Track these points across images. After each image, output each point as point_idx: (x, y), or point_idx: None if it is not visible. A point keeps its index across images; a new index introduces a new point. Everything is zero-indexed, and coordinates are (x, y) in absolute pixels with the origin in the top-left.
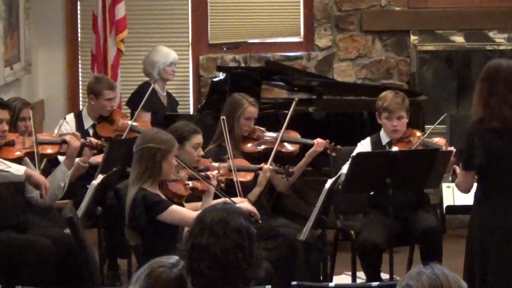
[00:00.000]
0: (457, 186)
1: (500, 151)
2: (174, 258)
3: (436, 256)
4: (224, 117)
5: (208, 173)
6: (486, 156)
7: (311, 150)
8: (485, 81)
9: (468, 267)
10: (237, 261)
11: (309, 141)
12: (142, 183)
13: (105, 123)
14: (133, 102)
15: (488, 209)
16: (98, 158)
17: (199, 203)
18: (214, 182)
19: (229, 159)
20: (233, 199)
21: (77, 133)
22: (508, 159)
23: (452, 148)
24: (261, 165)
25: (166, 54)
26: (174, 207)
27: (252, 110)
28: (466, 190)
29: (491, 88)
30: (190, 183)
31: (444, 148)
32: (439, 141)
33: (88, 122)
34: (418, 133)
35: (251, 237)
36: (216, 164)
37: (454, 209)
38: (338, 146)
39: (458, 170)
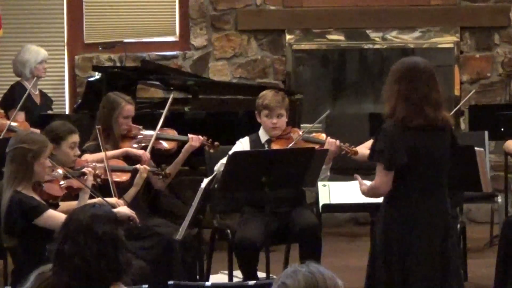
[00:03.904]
0: (375, 188)
1: (422, 150)
2: None
3: (316, 253)
4: (100, 127)
5: (85, 169)
6: (408, 155)
7: (187, 145)
8: (404, 80)
9: (384, 268)
10: (99, 270)
11: (185, 137)
12: (16, 185)
13: None
14: (5, 102)
15: (408, 208)
16: None
17: (75, 202)
18: (90, 178)
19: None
20: (109, 200)
21: None
22: (430, 157)
23: (331, 145)
24: (137, 166)
25: (36, 52)
26: (50, 212)
27: (129, 108)
28: (385, 192)
29: (411, 86)
30: (65, 182)
31: (326, 142)
32: (321, 135)
33: None
34: (298, 131)
35: (115, 243)
36: (92, 164)
37: (330, 208)
38: (216, 143)
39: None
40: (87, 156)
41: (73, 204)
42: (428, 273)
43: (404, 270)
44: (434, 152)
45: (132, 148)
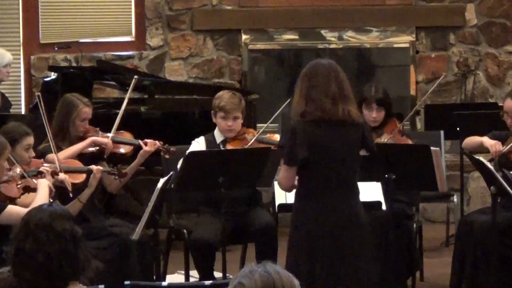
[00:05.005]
0: (278, 183)
1: (322, 144)
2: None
3: (272, 253)
4: (39, 94)
5: (42, 168)
6: (309, 149)
7: (142, 150)
8: (305, 77)
9: (292, 266)
10: (61, 267)
11: (140, 142)
12: None
13: None
14: None
15: (313, 207)
16: None
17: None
18: (48, 177)
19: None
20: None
21: None
22: (331, 152)
23: None
24: (91, 166)
25: (2, 55)
26: (10, 208)
27: (87, 111)
28: (287, 187)
29: (311, 82)
30: (22, 182)
31: None
32: (274, 136)
33: None
34: (253, 131)
35: (76, 241)
36: (47, 165)
37: (286, 207)
38: (172, 148)
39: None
40: (53, 156)
41: (31, 196)
42: (334, 271)
43: (311, 272)
44: (335, 147)
45: (97, 137)
